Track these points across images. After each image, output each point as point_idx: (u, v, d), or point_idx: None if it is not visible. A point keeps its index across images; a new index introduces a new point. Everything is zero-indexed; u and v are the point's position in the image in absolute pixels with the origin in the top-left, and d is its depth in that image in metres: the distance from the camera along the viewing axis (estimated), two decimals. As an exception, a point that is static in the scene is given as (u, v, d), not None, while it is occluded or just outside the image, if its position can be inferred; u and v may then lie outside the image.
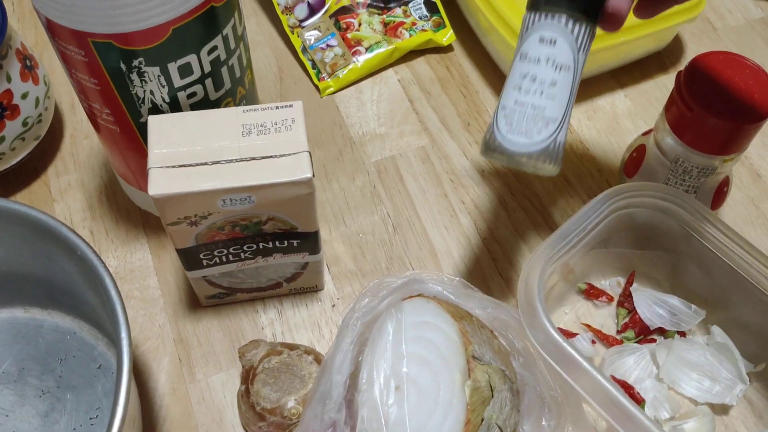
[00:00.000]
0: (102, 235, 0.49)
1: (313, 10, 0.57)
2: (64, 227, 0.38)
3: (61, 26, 0.35)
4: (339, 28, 0.57)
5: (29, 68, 0.47)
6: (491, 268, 0.48)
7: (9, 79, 0.45)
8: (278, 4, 0.57)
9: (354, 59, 0.56)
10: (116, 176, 0.51)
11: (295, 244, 0.42)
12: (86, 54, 0.36)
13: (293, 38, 0.57)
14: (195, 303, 0.47)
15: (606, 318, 0.47)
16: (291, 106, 0.39)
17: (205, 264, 0.42)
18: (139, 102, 0.39)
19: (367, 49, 0.57)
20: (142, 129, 0.41)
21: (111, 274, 0.36)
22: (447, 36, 0.58)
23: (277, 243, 0.42)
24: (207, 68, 0.39)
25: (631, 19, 0.51)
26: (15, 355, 0.44)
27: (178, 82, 0.38)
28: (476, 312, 0.41)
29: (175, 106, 0.40)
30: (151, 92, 0.39)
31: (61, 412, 0.42)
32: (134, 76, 0.37)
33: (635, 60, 0.57)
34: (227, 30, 0.39)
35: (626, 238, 0.46)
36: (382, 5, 0.58)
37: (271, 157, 0.37)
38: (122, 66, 0.37)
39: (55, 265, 0.41)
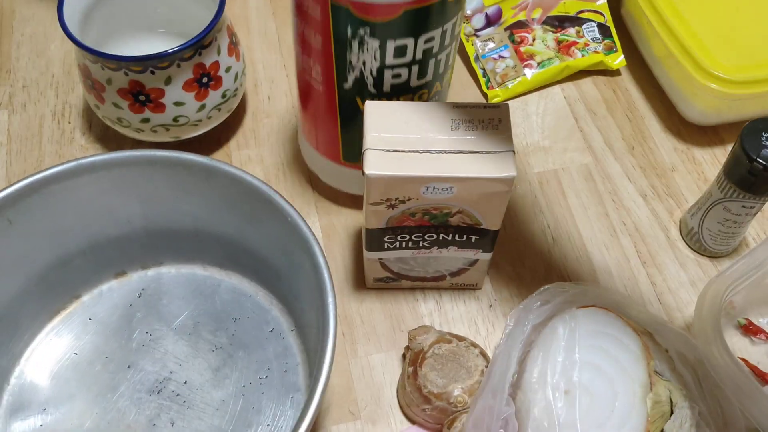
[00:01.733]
0: (276, 208, 0.51)
1: (489, 22, 0.59)
2: (276, 194, 0.40)
3: None
4: (513, 41, 0.59)
5: (234, 44, 0.50)
6: (650, 292, 0.49)
7: (219, 52, 0.48)
8: None
9: (524, 72, 0.58)
10: (293, 153, 0.54)
11: (473, 240, 0.44)
12: (321, 13, 0.39)
13: (467, 45, 0.59)
14: (360, 284, 0.48)
15: (763, 356, 0.47)
16: (498, 107, 0.40)
17: (386, 247, 0.44)
18: (350, 68, 0.41)
19: (538, 64, 0.58)
20: (342, 95, 0.43)
21: (319, 243, 0.38)
22: (618, 60, 0.59)
23: (456, 236, 0.43)
24: (419, 56, 0.41)
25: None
26: (192, 310, 0.46)
27: (390, 60, 0.40)
28: (650, 329, 0.41)
29: (378, 82, 0.42)
30: (364, 62, 0.41)
31: (231, 368, 0.44)
32: (355, 44, 0.40)
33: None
34: (448, 26, 0.40)
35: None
36: (557, 24, 0.60)
37: (477, 152, 0.39)
38: (348, 32, 0.39)
39: (251, 229, 0.43)
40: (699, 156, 0.55)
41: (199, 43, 0.45)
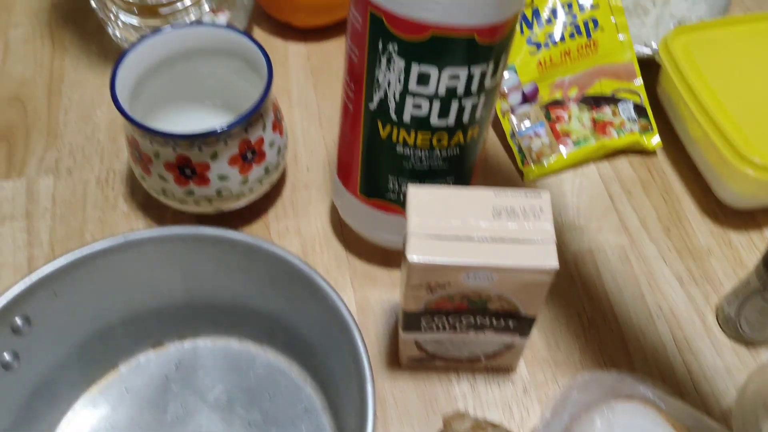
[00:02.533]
0: (312, 281, 0.52)
1: (525, 99, 0.60)
2: (318, 276, 0.41)
3: None
4: (549, 119, 0.60)
5: (278, 120, 0.51)
6: (686, 380, 0.48)
7: (264, 128, 0.49)
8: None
9: (560, 150, 0.58)
10: (330, 225, 0.54)
11: (511, 325, 0.44)
12: (362, 22, 0.40)
13: (504, 122, 0.60)
14: (393, 362, 0.48)
15: (803, 452, 0.46)
16: (540, 196, 0.41)
17: (423, 328, 0.44)
18: (377, 87, 0.42)
19: (574, 143, 0.59)
20: (367, 116, 0.44)
21: (359, 328, 0.39)
22: (654, 140, 0.59)
23: (494, 321, 0.43)
24: (441, 91, 0.41)
25: None
26: (227, 384, 0.46)
27: (412, 86, 0.41)
28: (687, 424, 0.41)
29: (399, 108, 0.42)
30: (389, 83, 0.42)
31: (264, 446, 0.44)
32: (383, 59, 0.41)
33: None
34: (475, 70, 0.41)
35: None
36: (593, 103, 0.60)
37: (519, 241, 0.39)
38: (380, 44, 0.40)
39: (289, 306, 0.44)
40: (735, 240, 0.55)
41: (247, 121, 0.47)
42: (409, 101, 0.42)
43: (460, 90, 0.42)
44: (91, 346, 0.45)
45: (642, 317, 0.51)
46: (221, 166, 0.48)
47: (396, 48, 0.40)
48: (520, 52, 0.59)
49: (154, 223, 0.54)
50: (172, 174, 0.48)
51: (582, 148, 0.59)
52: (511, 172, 0.59)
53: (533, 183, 0.58)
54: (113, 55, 0.64)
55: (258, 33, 0.67)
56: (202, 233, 0.42)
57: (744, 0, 0.72)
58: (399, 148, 0.44)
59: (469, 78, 0.41)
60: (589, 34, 0.60)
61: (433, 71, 0.40)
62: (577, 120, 0.60)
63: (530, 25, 0.60)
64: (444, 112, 0.42)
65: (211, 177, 0.48)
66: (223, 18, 0.52)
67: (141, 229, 0.54)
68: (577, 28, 0.60)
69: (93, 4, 0.60)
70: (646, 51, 0.61)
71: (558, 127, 0.59)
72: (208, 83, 0.54)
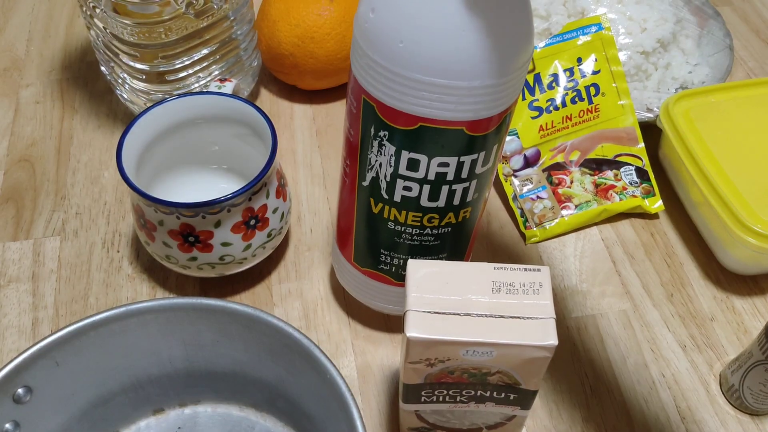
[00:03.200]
0: (314, 346, 0.52)
1: (528, 163, 0.61)
2: (317, 348, 0.41)
3: (355, 78, 0.40)
4: (551, 182, 0.60)
5: (282, 186, 0.52)
6: (690, 451, 0.48)
7: (267, 195, 0.50)
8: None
9: (562, 213, 0.59)
10: (332, 288, 0.55)
11: (511, 398, 0.43)
12: (356, 106, 0.41)
13: (506, 185, 0.60)
14: (394, 430, 0.48)
15: None
16: (539, 270, 0.41)
17: (423, 400, 0.44)
18: (369, 167, 0.43)
19: (576, 207, 0.59)
20: (360, 192, 0.45)
21: (357, 405, 0.39)
22: (656, 204, 0.60)
23: (495, 394, 0.43)
24: (431, 176, 0.42)
25: None
26: (226, 451, 0.46)
27: (402, 170, 0.42)
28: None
29: (390, 189, 0.43)
30: (380, 165, 0.42)
31: None
32: (375, 143, 0.41)
33: None
34: (465, 159, 0.41)
35: None
36: (595, 167, 0.61)
37: (519, 318, 0.39)
38: (372, 129, 0.41)
39: (289, 376, 0.44)
40: (739, 305, 0.55)
41: (251, 190, 0.47)
42: (400, 183, 0.43)
43: (450, 176, 0.42)
44: (91, 413, 0.45)
45: (645, 385, 0.51)
46: (224, 234, 0.48)
47: (387, 135, 0.40)
48: (522, 117, 0.60)
49: (158, 286, 0.54)
50: (176, 241, 0.48)
51: (584, 212, 0.59)
52: (513, 235, 0.59)
53: (535, 246, 0.58)
54: (122, 116, 0.65)
55: (265, 94, 0.68)
56: (202, 304, 0.43)
57: (747, 63, 0.72)
58: (391, 225, 0.45)
59: (459, 166, 0.42)
60: (590, 99, 0.61)
61: (422, 158, 0.41)
62: (579, 184, 0.60)
63: (532, 91, 0.61)
64: (434, 196, 0.43)
65: (215, 244, 0.49)
66: (229, 86, 0.53)
67: (144, 292, 0.54)
68: (579, 93, 0.61)
69: (102, 68, 0.61)
70: (648, 115, 0.62)
71: (560, 190, 0.60)
72: (214, 149, 0.55)
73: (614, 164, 0.61)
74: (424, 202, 0.43)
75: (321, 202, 0.60)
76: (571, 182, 0.60)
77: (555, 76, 0.61)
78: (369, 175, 0.43)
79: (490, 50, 0.37)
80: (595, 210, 0.59)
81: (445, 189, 0.43)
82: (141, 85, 0.59)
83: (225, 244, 0.49)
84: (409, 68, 0.37)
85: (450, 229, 0.45)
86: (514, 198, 0.60)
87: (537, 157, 0.61)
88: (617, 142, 0.61)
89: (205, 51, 0.59)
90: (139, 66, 0.57)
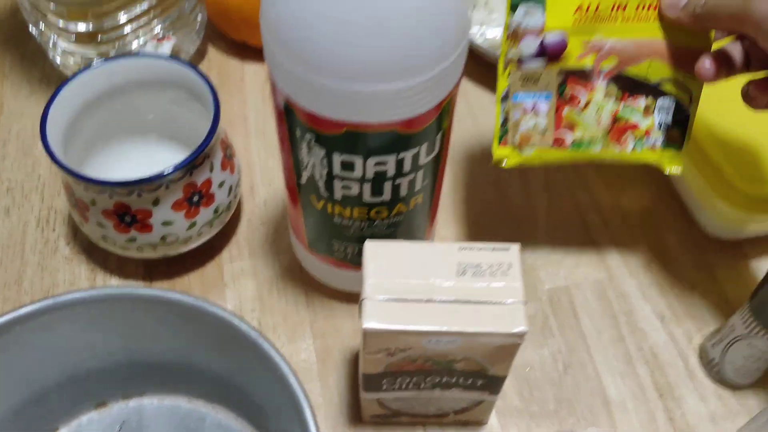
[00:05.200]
0: (269, 329, 0.48)
1: (544, 52, 0.43)
2: (264, 340, 0.37)
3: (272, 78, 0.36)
4: (561, 94, 0.44)
5: (229, 157, 0.47)
6: (668, 428, 0.45)
7: (211, 169, 0.45)
8: (509, 25, 0.43)
9: (551, 144, 0.45)
10: (288, 265, 0.51)
11: (479, 384, 0.40)
12: (279, 110, 0.37)
13: (500, 78, 0.44)
14: (356, 417, 0.45)
15: (793, 508, 0.43)
16: (508, 249, 0.37)
17: (384, 388, 0.41)
18: (303, 167, 0.39)
19: (574, 142, 0.45)
20: (300, 190, 0.41)
21: (306, 395, 0.35)
22: (675, 167, 0.45)
23: (461, 380, 0.40)
24: (369, 175, 0.38)
25: None
26: (175, 447, 0.43)
27: (337, 171, 0.38)
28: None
29: (329, 188, 0.39)
30: (313, 166, 0.38)
31: None
32: (303, 146, 0.37)
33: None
34: (405, 155, 0.37)
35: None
36: (628, 87, 0.44)
37: (485, 303, 0.36)
38: (297, 131, 0.37)
39: (238, 369, 0.40)
40: (720, 274, 0.52)
41: (191, 164, 0.43)
42: (338, 183, 0.39)
43: (391, 173, 0.38)
44: (26, 411, 0.42)
45: (621, 361, 0.48)
46: (164, 212, 0.44)
47: (313, 138, 0.36)
48: None
49: (98, 268, 0.50)
50: (110, 221, 0.44)
51: (580, 151, 0.45)
52: (480, 153, 0.55)
53: (500, 166, 0.47)
54: (56, 81, 0.60)
55: (213, 53, 0.63)
56: (137, 294, 0.39)
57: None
58: (337, 219, 0.41)
59: (399, 162, 0.38)
60: None
61: (356, 159, 0.37)
62: (595, 110, 0.45)
63: None
64: (377, 192, 0.39)
65: (154, 223, 0.44)
66: (167, 45, 0.48)
67: (83, 275, 0.50)
68: None
69: (31, 28, 0.56)
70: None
71: (566, 111, 0.44)
72: (151, 117, 0.50)
73: (653, 91, 0.44)
74: (367, 198, 0.40)
75: (276, 171, 0.56)
76: (587, 104, 0.44)
77: None
78: (305, 174, 0.39)
79: (413, 48, 0.32)
80: (595, 154, 0.45)
81: (387, 184, 0.39)
82: (73, 48, 0.53)
83: (166, 224, 0.45)
84: (322, 74, 0.33)
85: (402, 217, 0.42)
86: (504, 98, 0.44)
87: (560, 48, 0.43)
88: (674, 62, 0.44)
89: (145, 5, 0.54)
90: (67, 25, 0.51)
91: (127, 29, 0.54)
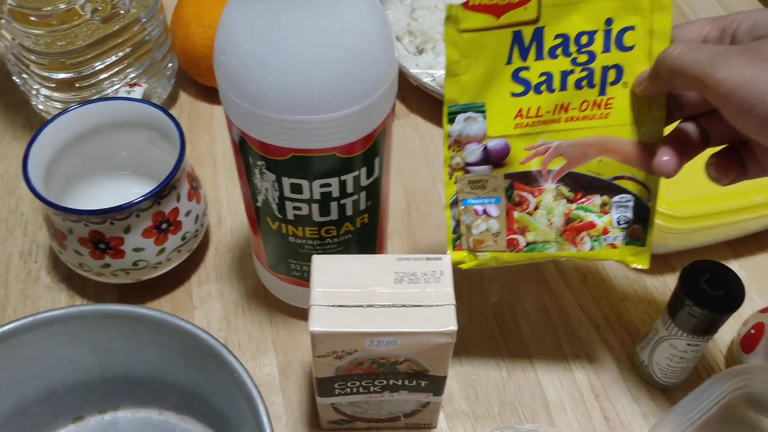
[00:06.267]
0: (235, 346, 0.52)
1: (488, 159, 0.43)
2: (225, 349, 0.41)
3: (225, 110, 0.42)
4: (510, 198, 0.44)
5: (194, 188, 0.52)
6: (604, 427, 0.49)
7: (178, 199, 0.50)
8: (449, 134, 0.43)
9: (506, 248, 0.44)
10: (253, 288, 0.55)
11: (423, 385, 0.44)
12: (234, 142, 0.43)
13: (447, 185, 0.44)
14: (315, 425, 0.49)
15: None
16: (440, 258, 0.42)
17: (337, 393, 0.45)
18: (257, 191, 0.44)
19: (527, 245, 0.44)
20: (257, 212, 0.46)
21: (264, 402, 0.39)
22: (639, 262, 0.45)
23: (406, 382, 0.44)
24: (316, 196, 0.43)
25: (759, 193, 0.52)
26: (147, 455, 0.46)
27: (288, 193, 0.43)
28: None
29: (281, 209, 0.44)
30: (266, 189, 0.43)
31: None
32: (256, 172, 0.42)
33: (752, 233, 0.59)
34: (346, 177, 0.42)
35: (745, 420, 0.46)
36: (579, 187, 0.44)
37: (419, 306, 0.40)
38: (250, 158, 0.42)
39: (203, 380, 0.44)
40: (650, 284, 0.57)
41: (158, 194, 0.47)
42: (289, 204, 0.43)
43: (336, 194, 0.43)
44: (7, 425, 0.45)
45: (560, 366, 0.52)
46: (135, 239, 0.48)
47: (264, 164, 0.41)
48: (497, 88, 0.42)
49: (76, 294, 0.54)
50: (87, 249, 0.48)
51: (535, 254, 0.44)
52: (432, 179, 0.60)
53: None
54: (38, 126, 0.65)
55: (184, 97, 0.68)
56: (109, 310, 0.43)
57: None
58: (291, 239, 0.46)
59: (342, 183, 0.42)
60: (603, 88, 0.42)
61: (303, 182, 0.42)
62: (545, 212, 0.44)
63: (524, 52, 0.41)
64: (325, 212, 0.44)
65: (126, 250, 0.49)
66: (139, 91, 0.53)
67: (63, 301, 0.54)
68: (591, 74, 0.42)
69: (15, 78, 0.60)
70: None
71: (516, 214, 0.44)
72: (122, 155, 0.55)
73: (608, 188, 0.44)
74: (317, 218, 0.44)
75: (241, 202, 0.60)
76: (536, 207, 0.44)
77: (566, 39, 0.41)
78: (260, 198, 0.44)
79: (344, 81, 0.38)
80: (550, 254, 0.45)
81: (334, 205, 0.44)
82: (54, 94, 0.58)
83: (137, 250, 0.49)
84: (266, 108, 0.38)
85: (351, 235, 0.46)
86: (453, 203, 0.44)
87: (503, 153, 0.43)
88: (624, 159, 0.43)
89: (120, 54, 0.59)
90: (48, 75, 0.56)
91: (103, 76, 0.59)
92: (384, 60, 0.39)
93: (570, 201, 0.44)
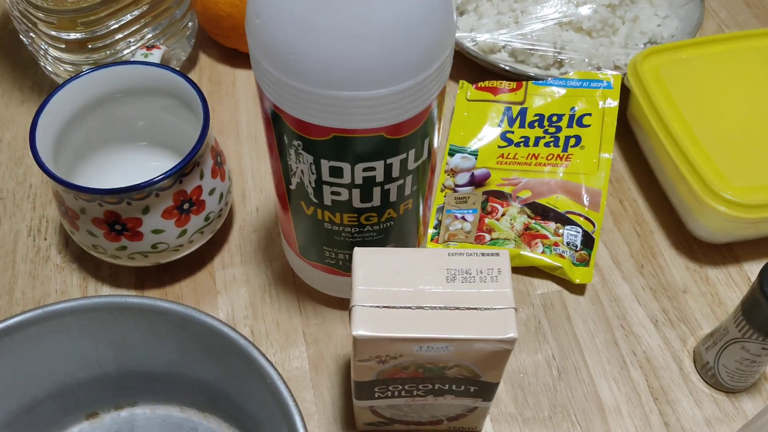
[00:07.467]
0: (262, 336, 0.48)
1: (473, 182, 0.55)
2: (255, 349, 0.37)
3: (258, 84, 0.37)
4: (484, 209, 0.54)
5: (219, 164, 0.47)
6: (663, 434, 0.45)
7: (201, 176, 0.45)
8: (447, 163, 0.56)
9: (473, 242, 0.52)
10: (280, 271, 0.51)
11: (472, 390, 0.40)
12: (266, 116, 0.37)
13: (438, 195, 0.55)
14: (349, 425, 0.45)
15: None
16: (497, 254, 0.37)
17: (376, 396, 0.41)
18: (292, 173, 0.39)
19: (491, 240, 0.52)
20: (290, 196, 0.41)
21: (297, 404, 0.35)
22: (582, 276, 0.51)
23: (453, 387, 0.40)
24: (358, 180, 0.38)
25: None
26: (167, 456, 0.43)
27: (326, 177, 0.38)
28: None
29: (318, 194, 0.39)
30: (302, 172, 0.38)
31: None
32: (291, 152, 0.37)
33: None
34: (393, 160, 0.37)
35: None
36: (539, 212, 0.53)
37: (475, 309, 0.36)
38: (285, 138, 0.37)
39: (228, 377, 0.40)
40: (713, 276, 0.52)
41: (180, 172, 0.43)
42: (327, 189, 0.39)
43: (380, 178, 0.38)
44: (16, 422, 0.41)
45: (616, 365, 0.48)
46: (155, 220, 0.44)
47: (301, 145, 0.36)
48: (490, 144, 0.57)
49: (89, 276, 0.50)
50: (101, 230, 0.44)
51: (495, 247, 0.52)
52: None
53: None
54: (48, 89, 0.60)
55: (204, 60, 0.63)
56: (126, 303, 0.38)
57: (718, 14, 0.68)
58: (327, 225, 0.41)
59: (388, 167, 0.38)
60: (566, 147, 0.56)
61: (345, 165, 0.37)
62: (509, 219, 0.53)
63: (511, 122, 0.57)
64: (367, 198, 0.39)
65: (145, 232, 0.44)
66: (157, 54, 0.48)
67: (75, 283, 0.50)
68: (557, 140, 0.56)
69: (22, 38, 0.55)
70: (615, 74, 0.58)
71: (487, 220, 0.53)
72: (141, 124, 0.50)
73: (561, 219, 0.53)
74: (357, 204, 0.39)
75: (268, 177, 0.56)
76: (503, 215, 0.53)
77: (541, 117, 0.57)
78: (294, 180, 0.39)
79: (396, 54, 0.32)
80: (510, 249, 0.51)
81: (377, 190, 0.39)
82: (63, 56, 0.53)
83: (156, 231, 0.44)
84: (306, 81, 0.33)
85: (393, 223, 0.42)
86: (440, 209, 0.54)
87: (485, 177, 0.55)
88: (575, 199, 0.53)
89: (136, 12, 0.54)
90: (58, 34, 0.51)
91: (118, 36, 0.54)
92: (446, 26, 0.34)
93: (530, 218, 0.53)
